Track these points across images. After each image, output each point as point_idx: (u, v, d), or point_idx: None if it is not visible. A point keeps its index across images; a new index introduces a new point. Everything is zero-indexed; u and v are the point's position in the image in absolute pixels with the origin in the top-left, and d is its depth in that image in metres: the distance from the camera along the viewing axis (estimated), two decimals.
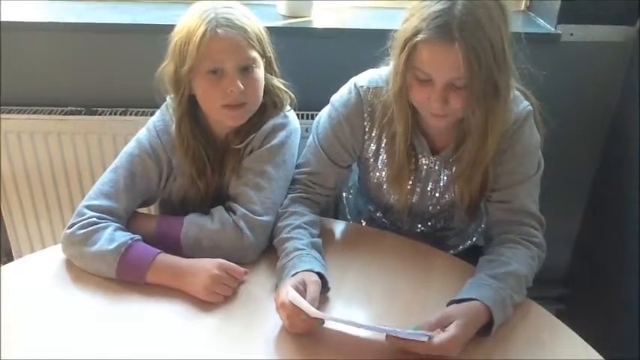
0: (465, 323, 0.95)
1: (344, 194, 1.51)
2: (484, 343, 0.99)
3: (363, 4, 1.85)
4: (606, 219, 1.84)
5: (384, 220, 1.38)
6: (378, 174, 1.26)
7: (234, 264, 1.08)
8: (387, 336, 0.95)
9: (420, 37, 1.00)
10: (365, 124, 1.21)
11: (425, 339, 0.91)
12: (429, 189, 1.25)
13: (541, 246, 1.15)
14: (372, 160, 1.25)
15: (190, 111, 1.20)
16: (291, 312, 0.97)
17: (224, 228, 1.14)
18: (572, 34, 1.67)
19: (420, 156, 1.21)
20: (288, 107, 1.26)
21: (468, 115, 1.09)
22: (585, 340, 1.02)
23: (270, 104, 1.23)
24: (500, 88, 1.04)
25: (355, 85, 1.20)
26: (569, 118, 1.63)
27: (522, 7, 1.84)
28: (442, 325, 0.95)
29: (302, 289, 1.01)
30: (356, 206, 1.47)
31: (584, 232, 1.95)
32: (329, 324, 1.00)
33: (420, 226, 1.35)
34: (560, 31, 1.66)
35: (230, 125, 1.21)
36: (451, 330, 0.93)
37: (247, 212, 1.15)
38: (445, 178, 1.23)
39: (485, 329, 0.99)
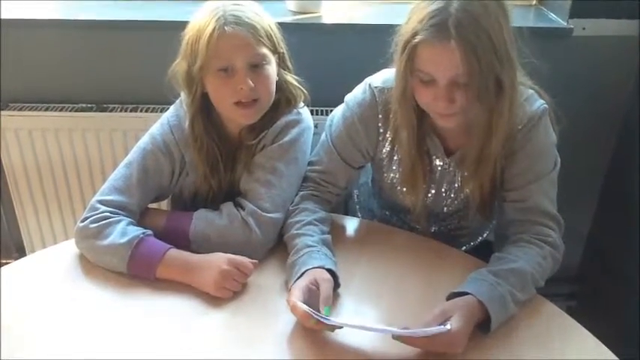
0: (461, 317, 0.95)
1: (355, 192, 1.50)
2: (493, 339, 0.98)
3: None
4: (618, 216, 1.82)
5: (397, 221, 1.37)
6: (392, 175, 1.25)
7: (244, 258, 1.08)
8: (392, 335, 0.94)
9: (418, 38, 1.00)
10: (379, 124, 1.20)
11: (441, 330, 0.91)
12: (443, 190, 1.24)
13: (555, 245, 1.12)
14: (386, 160, 1.24)
15: (204, 109, 1.19)
16: (302, 316, 0.96)
17: (232, 224, 1.14)
18: (584, 29, 1.65)
19: (434, 157, 1.20)
20: (301, 104, 1.26)
21: (475, 114, 1.08)
22: (596, 336, 1.01)
23: (284, 101, 1.23)
24: (505, 85, 1.02)
25: (370, 85, 1.19)
26: (582, 114, 1.61)
27: (534, 1, 1.83)
28: (440, 321, 0.94)
29: (315, 289, 1.01)
30: (368, 206, 1.47)
31: (596, 229, 1.93)
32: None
33: (434, 226, 1.34)
34: (572, 26, 1.65)
35: (243, 123, 1.21)
36: (452, 325, 0.93)
37: (256, 209, 1.15)
38: (460, 178, 1.21)
39: (484, 326, 0.98)
